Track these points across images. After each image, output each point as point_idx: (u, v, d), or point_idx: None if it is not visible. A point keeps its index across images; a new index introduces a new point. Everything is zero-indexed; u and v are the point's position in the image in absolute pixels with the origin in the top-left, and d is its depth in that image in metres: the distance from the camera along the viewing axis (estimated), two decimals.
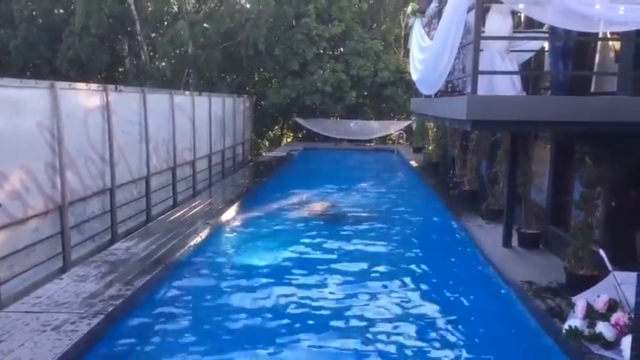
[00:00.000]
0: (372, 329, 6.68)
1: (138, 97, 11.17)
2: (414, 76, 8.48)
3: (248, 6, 27.53)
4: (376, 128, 30.06)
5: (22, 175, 7.23)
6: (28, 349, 5.43)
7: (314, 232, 11.36)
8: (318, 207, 13.97)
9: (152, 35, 27.14)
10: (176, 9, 27.52)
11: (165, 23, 27.26)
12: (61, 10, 26.00)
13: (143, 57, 26.16)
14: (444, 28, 5.93)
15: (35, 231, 7.52)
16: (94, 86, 9.86)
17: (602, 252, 6.25)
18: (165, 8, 27.11)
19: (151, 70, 25.87)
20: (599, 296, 5.97)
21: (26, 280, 7.19)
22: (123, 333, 6.36)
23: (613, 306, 5.80)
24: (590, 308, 5.87)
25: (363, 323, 6.87)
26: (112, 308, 6.52)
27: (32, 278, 7.30)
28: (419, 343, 6.43)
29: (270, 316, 7.05)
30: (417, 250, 10.26)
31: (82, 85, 9.43)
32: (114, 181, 9.79)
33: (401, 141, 29.10)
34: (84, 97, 9.07)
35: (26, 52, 25.04)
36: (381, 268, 9.03)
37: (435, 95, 8.13)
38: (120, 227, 10.07)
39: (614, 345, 5.47)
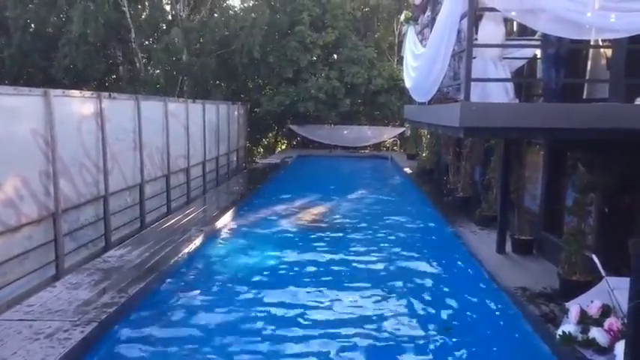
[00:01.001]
0: (364, 338, 6.67)
1: (132, 105, 11.16)
2: (408, 84, 8.52)
3: (242, 14, 27.61)
4: (370, 135, 30.12)
5: (16, 183, 7.21)
6: (20, 357, 5.40)
7: (308, 240, 11.36)
8: (312, 214, 13.95)
9: (146, 43, 27.13)
10: (170, 17, 27.50)
11: (159, 33, 27.21)
12: (55, 18, 25.94)
13: (137, 64, 26.16)
14: (438, 36, 5.96)
15: (28, 238, 7.49)
16: (87, 93, 9.85)
17: (595, 258, 6.29)
18: (160, 14, 27.07)
19: (145, 78, 25.87)
20: (592, 302, 5.99)
21: (19, 288, 7.15)
22: (116, 341, 6.33)
23: (606, 311, 5.83)
24: (583, 314, 5.89)
25: (356, 330, 6.87)
26: (105, 316, 6.50)
27: (25, 286, 7.26)
28: (409, 349, 6.43)
29: (263, 322, 7.04)
30: (411, 257, 10.24)
31: (75, 93, 9.41)
32: (107, 189, 9.76)
33: (395, 148, 29.17)
34: (77, 105, 9.06)
35: (20, 61, 25.01)
36: (375, 276, 9.05)
37: (429, 102, 8.16)
38: (113, 234, 10.04)
39: (607, 350, 5.48)
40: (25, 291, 7.18)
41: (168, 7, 27.76)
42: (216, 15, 27.68)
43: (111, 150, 9.95)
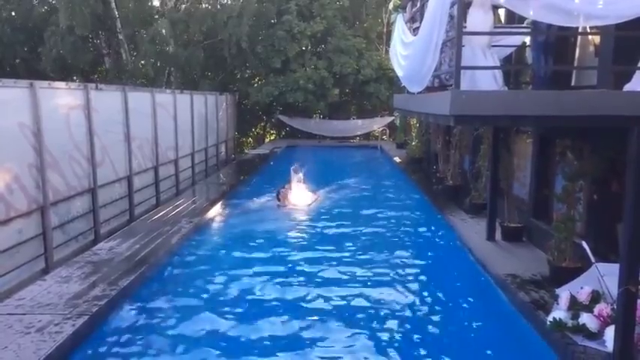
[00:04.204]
0: (351, 327, 6.70)
1: (119, 96, 11.05)
2: (400, 73, 8.45)
3: (230, 2, 27.39)
4: (359, 126, 30.15)
5: (5, 176, 7.13)
6: (11, 351, 5.37)
7: (298, 229, 11.37)
8: (301, 204, 13.90)
9: (134, 33, 26.81)
10: (157, 6, 27.18)
11: (146, 24, 26.89)
12: (41, 10, 25.57)
13: (124, 56, 25.89)
14: (429, 23, 5.92)
15: (17, 232, 7.41)
16: (74, 85, 9.73)
17: (584, 244, 6.35)
18: (150, 3, 26.75)
19: (132, 69, 25.61)
20: (582, 288, 6.06)
21: (9, 282, 7.08)
22: (108, 333, 6.31)
23: (596, 297, 5.89)
24: (573, 300, 5.95)
25: (347, 318, 6.90)
26: (96, 309, 6.47)
27: (15, 280, 7.20)
28: (401, 338, 6.46)
29: (253, 314, 7.04)
30: (401, 245, 10.29)
31: (61, 84, 9.31)
32: (96, 181, 9.69)
33: (384, 137, 29.16)
34: (64, 97, 8.95)
35: (2, 53, 24.66)
36: (366, 264, 9.05)
37: (425, 91, 8.13)
38: (103, 227, 9.97)
39: (597, 336, 5.54)
40: (15, 285, 7.13)
41: None
42: (203, 5, 27.37)
43: (99, 142, 9.86)
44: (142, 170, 12.19)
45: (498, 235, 9.57)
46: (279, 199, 13.41)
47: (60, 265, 8.13)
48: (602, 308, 5.66)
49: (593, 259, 6.21)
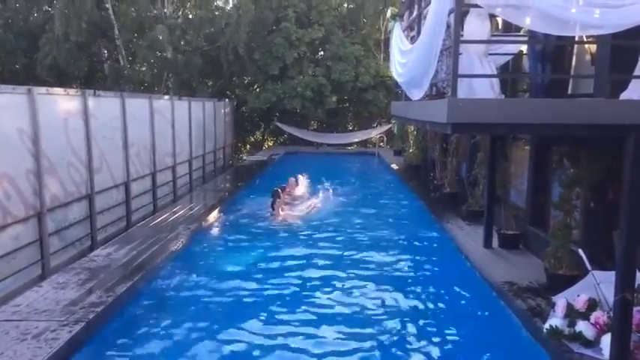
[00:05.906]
0: (346, 333, 6.70)
1: (117, 102, 11.07)
2: (400, 79, 8.46)
3: (230, 6, 27.44)
4: (357, 133, 30.21)
5: (3, 182, 7.13)
6: (7, 358, 5.36)
7: (295, 236, 11.35)
8: (298, 211, 13.90)
9: (132, 40, 26.85)
10: (155, 12, 27.23)
11: (144, 30, 26.96)
12: (36, 15, 25.57)
13: (122, 62, 25.92)
14: (429, 31, 5.94)
15: (14, 238, 7.40)
16: (72, 91, 9.74)
17: (581, 252, 6.37)
18: (144, 13, 26.81)
19: (130, 75, 25.64)
20: (578, 295, 6.06)
21: (5, 288, 7.07)
22: (104, 340, 6.29)
23: (592, 305, 5.89)
24: (570, 307, 5.96)
25: (342, 326, 6.90)
26: (93, 315, 6.45)
27: (11, 286, 7.19)
28: (398, 343, 6.46)
29: (250, 320, 7.02)
30: (398, 253, 10.28)
31: (59, 91, 9.31)
32: (93, 187, 9.68)
33: (381, 144, 29.20)
34: (62, 103, 8.96)
35: (4, 59, 24.67)
36: (362, 271, 9.06)
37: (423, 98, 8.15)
38: (100, 233, 9.97)
39: (594, 344, 5.55)
40: (12, 291, 7.11)
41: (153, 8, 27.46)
42: (201, 12, 27.45)
43: (96, 148, 9.86)
44: (140, 176, 12.19)
45: (495, 242, 9.58)
46: (273, 208, 13.27)
47: (57, 271, 8.11)
48: (599, 316, 5.66)
49: (589, 267, 6.23)
